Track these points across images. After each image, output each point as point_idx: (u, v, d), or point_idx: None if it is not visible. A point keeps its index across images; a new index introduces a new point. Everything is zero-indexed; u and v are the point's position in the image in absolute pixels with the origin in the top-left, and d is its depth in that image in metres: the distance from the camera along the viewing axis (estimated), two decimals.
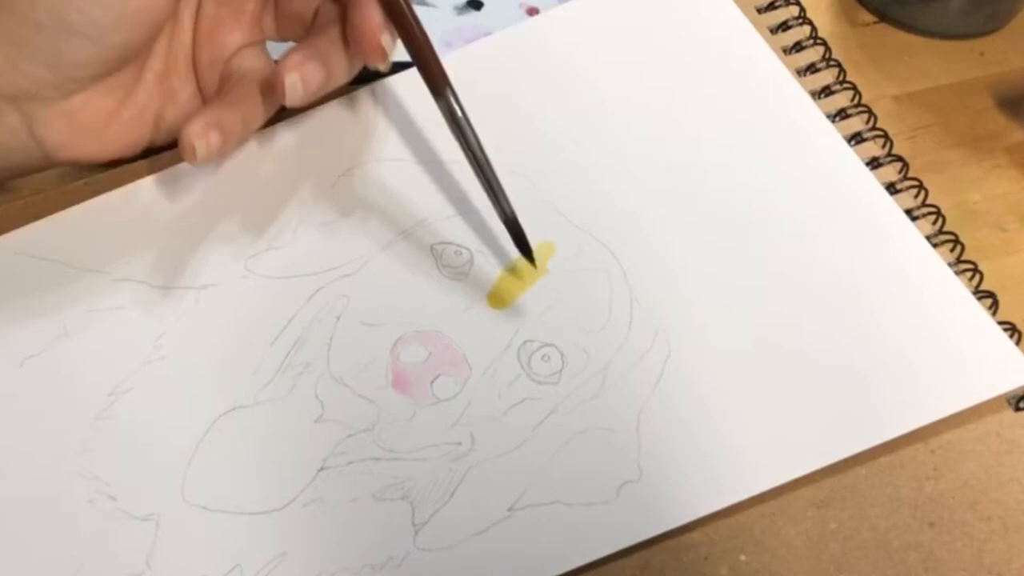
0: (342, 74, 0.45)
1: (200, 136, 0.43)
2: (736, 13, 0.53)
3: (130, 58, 0.44)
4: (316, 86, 0.44)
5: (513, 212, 0.44)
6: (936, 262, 0.45)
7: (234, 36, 0.47)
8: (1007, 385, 0.42)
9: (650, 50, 0.52)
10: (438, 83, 0.43)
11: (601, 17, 0.53)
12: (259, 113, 0.46)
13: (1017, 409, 0.42)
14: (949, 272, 0.44)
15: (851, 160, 0.48)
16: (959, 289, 0.44)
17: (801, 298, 0.44)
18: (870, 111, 0.52)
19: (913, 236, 0.46)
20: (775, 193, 0.47)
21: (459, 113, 0.43)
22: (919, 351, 0.43)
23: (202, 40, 0.47)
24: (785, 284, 0.45)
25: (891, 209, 0.46)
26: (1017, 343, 0.44)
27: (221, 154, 0.44)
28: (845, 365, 0.42)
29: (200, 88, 0.47)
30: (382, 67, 0.45)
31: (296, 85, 0.43)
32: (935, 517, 0.40)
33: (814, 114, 0.49)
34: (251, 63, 0.47)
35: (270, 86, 0.45)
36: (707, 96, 0.50)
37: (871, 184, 0.47)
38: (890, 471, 0.41)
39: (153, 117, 0.46)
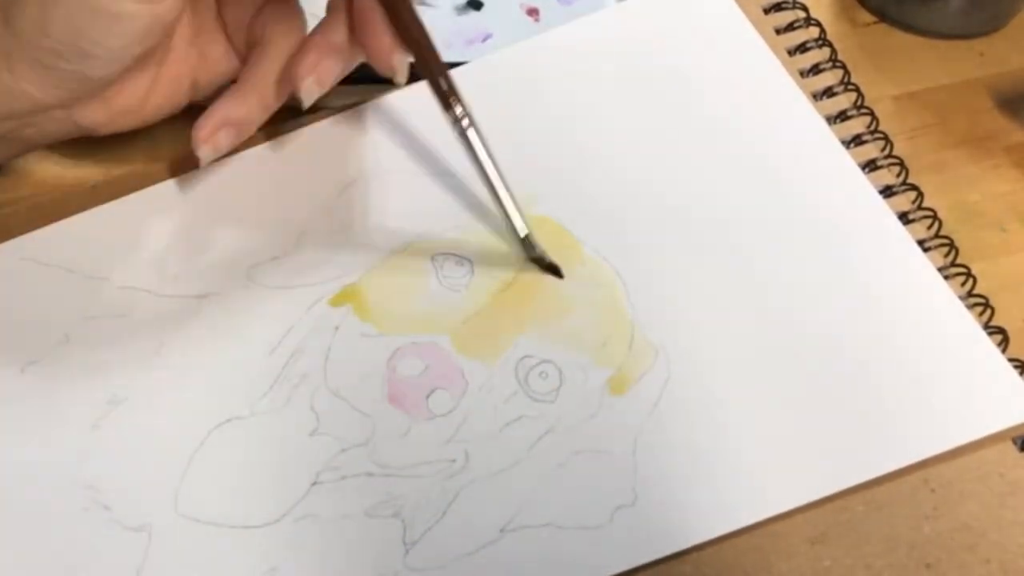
0: (355, 60, 0.42)
1: (207, 141, 0.40)
2: (747, 28, 0.48)
3: (157, 49, 0.40)
4: (332, 81, 0.41)
5: (529, 229, 0.40)
6: (946, 292, 0.40)
7: None
8: (1011, 420, 0.37)
9: (657, 67, 0.47)
10: (447, 97, 0.39)
11: (608, 33, 0.48)
12: (277, 94, 0.42)
13: (1022, 449, 0.37)
14: (959, 303, 0.40)
15: (863, 186, 0.43)
16: (969, 322, 0.39)
17: (804, 327, 0.39)
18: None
19: (924, 266, 0.41)
20: (785, 219, 0.42)
21: (469, 127, 0.39)
22: (924, 384, 0.38)
23: None
24: (789, 312, 0.40)
25: (902, 237, 0.42)
26: None
27: (232, 146, 0.42)
28: (846, 396, 0.38)
29: (231, 43, 0.43)
30: (399, 81, 0.41)
31: (312, 89, 0.40)
32: (933, 558, 0.35)
33: (828, 138, 0.44)
34: (278, 23, 0.42)
35: (289, 65, 0.41)
36: (714, 115, 0.45)
37: (883, 211, 0.42)
38: (888, 508, 0.36)
39: (188, 82, 0.42)
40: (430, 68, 0.39)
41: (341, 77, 0.41)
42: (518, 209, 0.40)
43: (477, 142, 0.39)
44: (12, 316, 0.41)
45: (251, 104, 0.41)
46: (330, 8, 0.41)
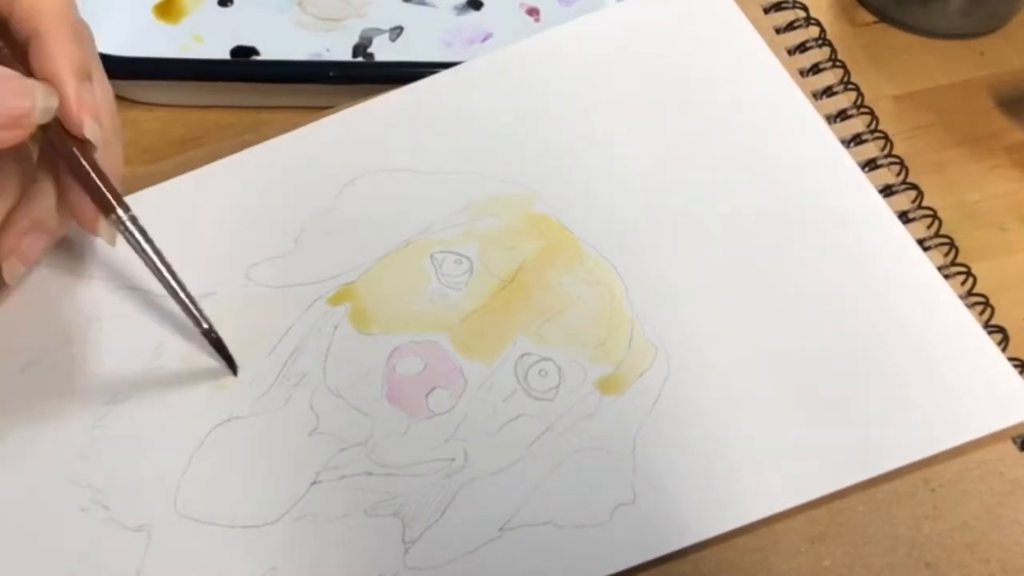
0: (64, 227, 0.39)
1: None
2: (747, 27, 0.47)
3: None
4: (38, 254, 0.39)
5: (211, 326, 0.39)
6: (946, 292, 0.40)
7: None
8: (1011, 420, 0.37)
9: (657, 67, 0.47)
10: (107, 203, 0.37)
11: (607, 32, 0.48)
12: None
13: (1022, 449, 0.37)
14: (959, 303, 0.39)
15: (862, 184, 0.43)
16: (969, 321, 0.39)
17: (804, 324, 0.39)
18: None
19: (923, 265, 0.40)
20: (784, 218, 0.42)
21: (135, 233, 0.37)
22: (923, 383, 0.38)
23: None
24: (788, 309, 0.40)
25: (900, 236, 0.41)
26: None
27: None
28: (846, 395, 0.38)
29: None
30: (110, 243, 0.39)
31: (16, 269, 0.39)
32: (932, 558, 0.35)
33: (828, 137, 0.44)
34: None
35: None
36: (714, 114, 0.45)
37: (882, 209, 0.42)
38: (888, 508, 0.36)
39: None
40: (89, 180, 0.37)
41: (47, 248, 0.39)
42: (194, 303, 0.38)
43: (145, 244, 0.37)
44: (13, 316, 0.41)
45: None
46: (37, 178, 0.39)
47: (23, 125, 0.35)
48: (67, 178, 0.38)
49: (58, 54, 0.36)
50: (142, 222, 0.38)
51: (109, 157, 0.38)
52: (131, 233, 0.37)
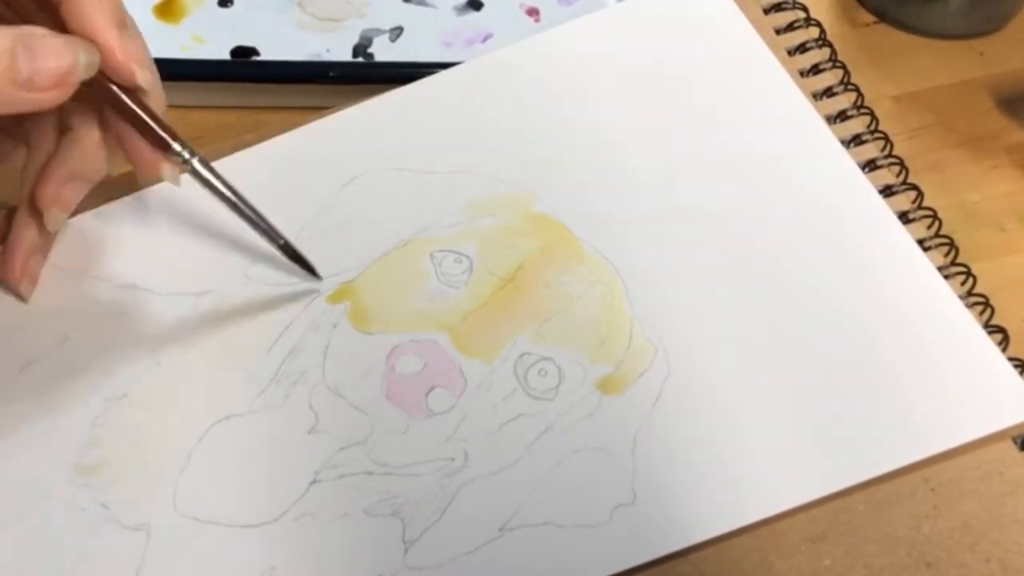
0: (104, 171, 0.40)
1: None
2: (746, 28, 0.47)
3: None
4: (77, 201, 0.40)
5: (287, 240, 0.40)
6: (946, 292, 0.39)
7: None
8: (1011, 420, 0.36)
9: (657, 67, 0.47)
10: (165, 143, 0.38)
11: (607, 32, 0.48)
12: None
13: (1022, 449, 0.37)
14: (959, 303, 0.39)
15: (862, 185, 0.43)
16: (969, 321, 0.39)
17: (804, 324, 0.39)
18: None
19: (923, 265, 0.40)
20: (784, 218, 0.42)
21: (199, 167, 0.38)
22: (924, 383, 0.37)
23: None
24: (788, 310, 0.39)
25: (900, 236, 0.41)
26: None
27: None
28: (846, 395, 0.37)
29: None
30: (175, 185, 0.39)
31: (57, 219, 0.39)
32: (932, 557, 0.35)
33: (828, 138, 0.44)
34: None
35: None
36: (714, 114, 0.45)
37: (882, 210, 0.42)
38: (888, 508, 0.36)
39: None
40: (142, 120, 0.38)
41: (86, 192, 0.40)
42: (267, 223, 0.39)
43: (212, 176, 0.38)
44: (12, 316, 0.41)
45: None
46: (71, 127, 0.39)
47: (68, 83, 0.35)
48: (119, 127, 0.38)
49: (95, 7, 0.36)
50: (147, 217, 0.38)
51: (156, 101, 0.38)
52: (195, 168, 0.38)
